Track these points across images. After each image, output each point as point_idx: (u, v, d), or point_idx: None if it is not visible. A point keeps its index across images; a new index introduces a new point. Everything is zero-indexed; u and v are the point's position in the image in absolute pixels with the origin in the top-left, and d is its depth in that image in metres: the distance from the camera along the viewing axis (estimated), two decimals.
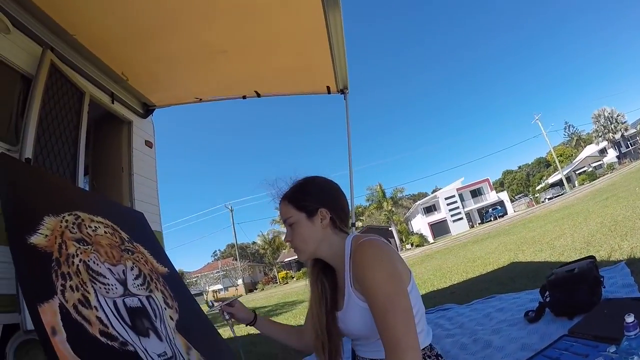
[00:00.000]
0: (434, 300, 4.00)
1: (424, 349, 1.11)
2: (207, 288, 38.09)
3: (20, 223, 1.38)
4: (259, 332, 1.46)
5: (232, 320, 1.44)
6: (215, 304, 1.48)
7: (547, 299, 1.88)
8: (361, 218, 42.00)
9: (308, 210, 1.17)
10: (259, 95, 4.04)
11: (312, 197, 1.19)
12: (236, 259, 40.52)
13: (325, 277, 1.23)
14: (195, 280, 39.27)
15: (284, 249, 39.36)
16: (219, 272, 39.28)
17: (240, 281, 37.27)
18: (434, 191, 55.88)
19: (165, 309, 1.97)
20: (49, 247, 1.46)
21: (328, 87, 3.74)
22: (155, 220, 4.14)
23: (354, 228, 3.48)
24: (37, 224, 1.48)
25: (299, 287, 12.57)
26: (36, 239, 1.42)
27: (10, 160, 1.52)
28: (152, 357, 1.53)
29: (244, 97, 4.11)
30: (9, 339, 1.72)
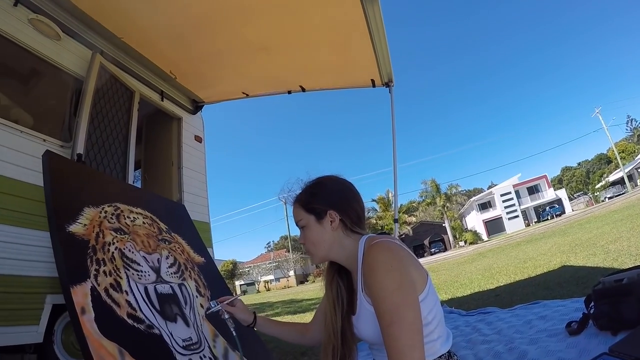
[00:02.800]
0: (477, 302, 3.88)
1: (441, 356, 1.06)
2: (259, 278, 39.84)
3: (60, 213, 1.57)
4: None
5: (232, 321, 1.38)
6: (214, 303, 1.42)
7: (592, 311, 1.71)
8: (414, 213, 41.85)
9: (317, 212, 1.17)
10: (304, 90, 4.15)
11: (321, 199, 1.19)
12: (289, 251, 41.77)
13: (340, 279, 1.23)
14: (248, 271, 41.20)
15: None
16: (271, 263, 40.84)
17: (291, 272, 38.38)
18: (489, 187, 54.44)
19: (197, 297, 2.11)
20: (87, 235, 1.64)
21: (372, 81, 3.74)
22: (203, 211, 4.43)
23: (397, 224, 3.42)
24: (77, 215, 1.67)
25: None
26: (75, 228, 1.60)
27: (54, 157, 1.73)
28: (176, 341, 1.66)
29: (290, 92, 4.23)
30: (58, 318, 1.98)
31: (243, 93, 4.34)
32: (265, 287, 36.82)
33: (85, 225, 1.68)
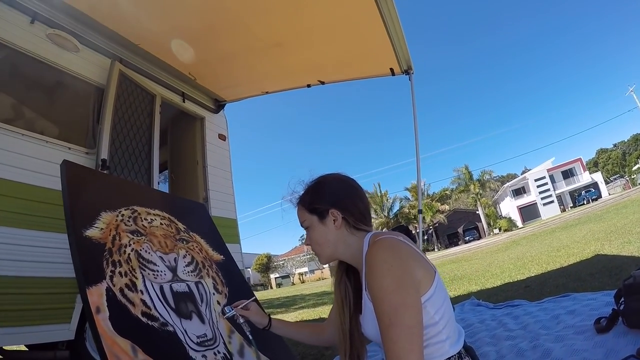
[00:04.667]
0: (506, 293, 3.80)
1: (450, 357, 1.03)
2: (293, 271, 40.58)
3: (77, 218, 1.70)
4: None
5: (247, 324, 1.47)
6: (228, 308, 1.50)
7: (622, 307, 1.60)
8: (448, 201, 41.38)
9: (319, 212, 1.18)
10: (322, 83, 4.18)
11: (321, 198, 1.20)
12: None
13: (348, 279, 1.23)
14: (282, 263, 42.04)
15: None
16: (305, 255, 41.44)
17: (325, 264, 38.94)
18: (523, 172, 52.53)
19: (214, 294, 2.21)
20: (103, 238, 1.76)
21: (391, 69, 3.72)
22: (229, 208, 4.59)
23: (421, 216, 3.38)
24: (93, 219, 1.79)
25: None
26: (91, 232, 1.73)
27: (72, 165, 1.87)
28: (190, 338, 1.76)
29: (309, 86, 4.28)
30: None
31: (262, 90, 4.43)
32: (299, 279, 37.55)
33: (101, 229, 1.80)
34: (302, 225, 1.24)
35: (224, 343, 1.95)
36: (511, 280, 4.80)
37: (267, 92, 4.46)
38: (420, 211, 3.39)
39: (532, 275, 4.80)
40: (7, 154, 2.03)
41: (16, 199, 2.10)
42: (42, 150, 2.26)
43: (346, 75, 4.06)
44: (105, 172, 2.71)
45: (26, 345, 2.14)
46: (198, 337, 1.83)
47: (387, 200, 39.79)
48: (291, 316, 6.31)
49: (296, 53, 3.62)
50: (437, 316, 1.00)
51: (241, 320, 1.44)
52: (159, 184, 3.55)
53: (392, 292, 0.93)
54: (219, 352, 1.86)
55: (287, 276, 40.85)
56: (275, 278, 41.28)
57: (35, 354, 2.01)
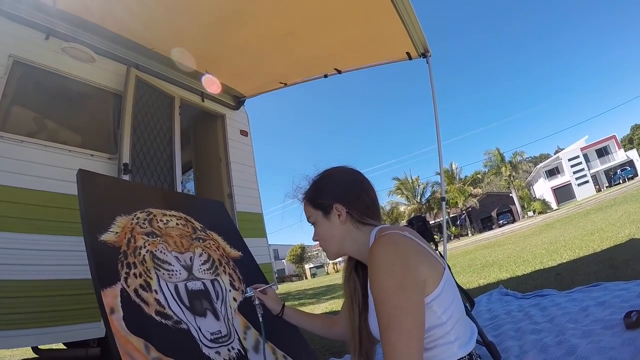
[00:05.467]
0: (536, 282, 3.65)
1: None
2: (327, 260, 40.99)
3: (93, 224, 1.80)
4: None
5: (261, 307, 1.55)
6: (249, 289, 1.64)
7: None
8: (480, 185, 40.90)
9: (323, 207, 1.17)
10: (339, 71, 4.15)
11: (325, 193, 1.19)
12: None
13: (357, 275, 1.22)
14: (317, 254, 42.45)
15: (402, 220, 40.15)
16: None
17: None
18: (556, 152, 50.68)
19: (230, 290, 2.28)
20: (118, 242, 1.86)
21: (408, 53, 3.62)
22: (254, 203, 4.69)
23: (444, 203, 3.29)
24: (109, 224, 1.90)
25: None
26: (106, 236, 1.83)
27: (86, 174, 1.98)
28: (204, 335, 1.83)
29: (326, 76, 4.26)
30: None
31: (280, 82, 4.44)
32: (334, 268, 37.85)
33: (117, 232, 1.90)
34: (308, 221, 1.23)
35: (239, 339, 2.01)
36: (542, 267, 4.66)
37: (285, 85, 4.46)
38: (443, 199, 3.30)
39: (564, 261, 4.64)
40: (32, 165, 2.18)
41: (45, 207, 2.25)
42: (66, 159, 2.41)
43: (362, 62, 3.99)
44: (127, 175, 2.85)
45: (63, 344, 2.32)
46: (212, 333, 1.90)
47: (418, 185, 39.17)
48: (322, 307, 6.38)
49: (309, 41, 3.60)
50: (444, 316, 0.96)
51: (256, 302, 1.53)
52: (182, 183, 3.68)
53: (391, 293, 0.90)
54: (233, 348, 1.93)
55: (322, 266, 41.38)
56: (310, 268, 41.89)
57: (69, 352, 2.18)
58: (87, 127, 2.80)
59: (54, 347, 2.39)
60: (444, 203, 3.28)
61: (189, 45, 3.42)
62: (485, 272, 5.85)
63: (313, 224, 1.21)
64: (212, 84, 3.63)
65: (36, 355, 2.20)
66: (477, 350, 1.90)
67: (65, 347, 2.46)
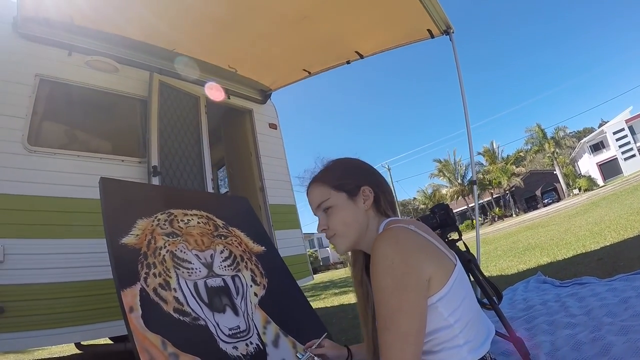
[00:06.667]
0: (576, 267, 3.42)
1: None
2: None
3: (114, 229, 1.94)
4: None
5: None
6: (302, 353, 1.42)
7: None
8: (523, 163, 39.61)
9: (348, 189, 1.07)
10: (361, 56, 4.07)
11: (351, 174, 1.11)
12: (398, 216, 42.46)
13: (369, 276, 1.10)
14: None
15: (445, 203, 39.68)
16: None
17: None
18: (600, 125, 46.38)
19: (251, 286, 2.35)
20: (138, 244, 1.99)
21: (429, 31, 3.45)
22: (287, 194, 4.77)
23: (475, 187, 3.15)
24: (130, 227, 2.03)
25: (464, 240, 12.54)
26: (127, 239, 1.96)
27: (108, 181, 2.12)
28: (222, 330, 1.91)
29: (348, 62, 4.21)
30: None
31: (304, 71, 4.42)
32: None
33: (137, 235, 2.02)
34: (318, 207, 1.10)
35: (258, 334, 2.07)
36: (584, 251, 4.41)
37: (309, 74, 4.44)
38: (474, 182, 3.16)
39: (607, 244, 4.35)
40: (66, 175, 2.38)
41: (81, 213, 2.45)
42: (98, 166, 2.60)
43: (383, 45, 3.87)
44: (156, 177, 3.01)
45: (110, 339, 2.54)
46: (230, 329, 1.97)
47: (460, 166, 37.94)
48: None
49: (325, 24, 3.53)
50: (451, 318, 0.90)
51: None
52: (212, 180, 3.82)
53: (389, 294, 0.87)
54: (251, 343, 2.00)
55: None
56: None
57: (110, 347, 2.39)
58: (115, 134, 2.99)
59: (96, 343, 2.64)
60: (475, 187, 3.13)
61: (208, 42, 3.50)
62: (526, 256, 5.65)
63: (328, 208, 1.08)
64: (215, 92, 3.69)
65: (79, 351, 2.43)
66: (505, 346, 1.82)
67: (112, 342, 2.70)
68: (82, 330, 2.22)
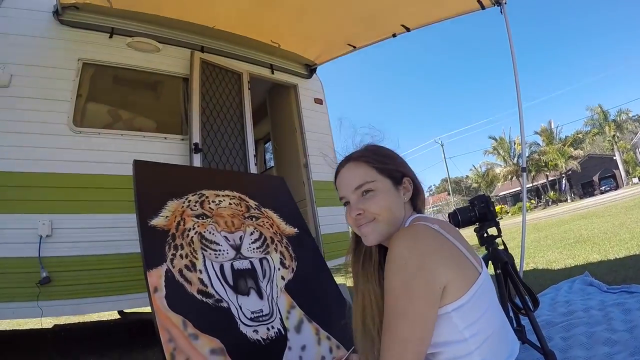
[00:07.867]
0: (627, 272, 3.00)
1: None
2: None
3: (144, 210, 2.03)
4: None
5: None
6: None
7: None
8: (581, 146, 36.64)
9: (394, 176, 1.01)
10: (408, 29, 3.86)
11: (395, 162, 1.04)
12: (450, 194, 41.29)
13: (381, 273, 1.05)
14: None
15: (498, 183, 37.82)
16: (431, 207, 40.79)
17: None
18: None
19: (279, 269, 2.37)
20: (168, 225, 2.07)
21: (480, 2, 3.12)
22: (331, 171, 4.71)
23: (524, 174, 2.88)
24: (160, 209, 2.11)
25: (513, 225, 11.52)
26: (156, 221, 2.04)
27: (140, 163, 2.20)
28: (244, 313, 1.95)
29: (394, 35, 4.01)
30: None
31: (349, 45, 4.24)
32: None
33: (167, 217, 2.10)
34: (358, 187, 1.00)
35: (281, 318, 2.10)
36: (638, 252, 3.90)
37: (354, 48, 4.25)
38: (524, 169, 2.88)
39: None
40: (110, 153, 2.53)
41: (125, 189, 2.60)
42: (141, 144, 2.73)
43: (432, 17, 3.58)
44: (198, 154, 3.10)
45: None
46: (253, 312, 2.01)
47: (515, 146, 35.21)
48: None
49: None
50: (467, 332, 0.84)
51: None
52: (255, 156, 3.86)
53: (396, 296, 0.84)
54: (272, 327, 2.02)
55: None
56: None
57: (145, 315, 2.58)
58: (158, 113, 3.11)
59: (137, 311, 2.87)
60: (524, 174, 2.85)
61: (249, 18, 3.43)
62: (576, 249, 5.19)
63: (368, 191, 0.98)
64: None
65: (119, 317, 2.67)
66: (537, 356, 1.66)
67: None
68: (124, 300, 2.42)
